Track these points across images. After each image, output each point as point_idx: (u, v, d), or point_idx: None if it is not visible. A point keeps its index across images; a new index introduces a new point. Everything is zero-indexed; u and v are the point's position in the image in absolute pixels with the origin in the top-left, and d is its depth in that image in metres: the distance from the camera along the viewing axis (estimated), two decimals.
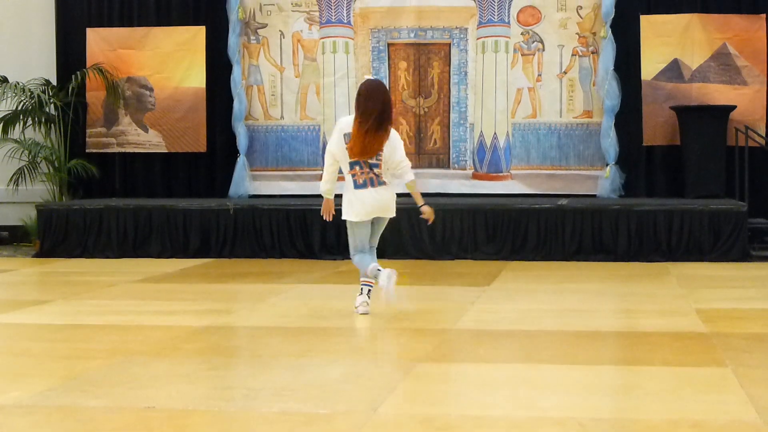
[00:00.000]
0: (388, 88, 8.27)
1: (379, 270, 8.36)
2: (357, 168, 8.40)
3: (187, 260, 12.65)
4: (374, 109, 8.27)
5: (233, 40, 14.49)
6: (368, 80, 8.55)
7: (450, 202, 13.17)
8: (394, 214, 8.66)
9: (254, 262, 12.39)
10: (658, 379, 6.19)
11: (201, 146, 14.75)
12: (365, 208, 8.44)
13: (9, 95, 14.48)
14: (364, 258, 8.56)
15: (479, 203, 12.93)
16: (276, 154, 14.68)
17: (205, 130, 14.73)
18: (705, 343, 7.27)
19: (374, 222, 8.60)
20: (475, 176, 14.40)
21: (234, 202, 13.51)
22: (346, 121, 8.48)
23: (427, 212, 8.64)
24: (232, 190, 14.46)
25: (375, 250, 8.71)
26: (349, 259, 12.55)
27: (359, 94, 8.42)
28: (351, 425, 5.19)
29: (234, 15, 14.47)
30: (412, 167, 8.34)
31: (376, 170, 8.40)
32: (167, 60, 14.81)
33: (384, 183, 8.46)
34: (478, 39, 14.36)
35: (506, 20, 14.26)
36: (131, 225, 13.13)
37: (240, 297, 9.82)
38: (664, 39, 13.86)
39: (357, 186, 8.42)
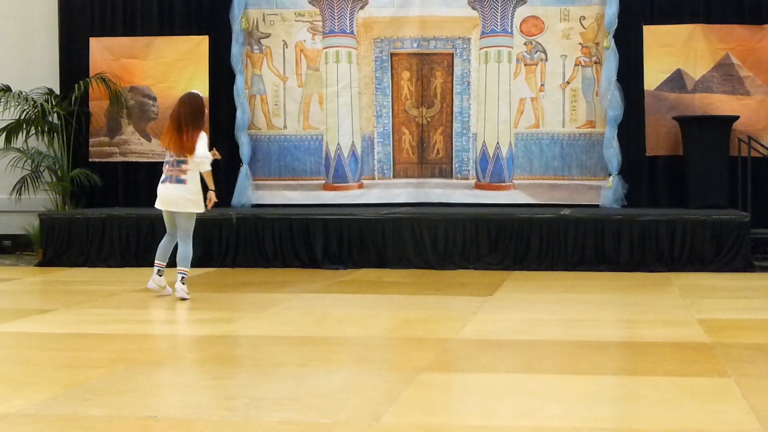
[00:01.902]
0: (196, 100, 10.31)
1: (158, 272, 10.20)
2: (167, 166, 10.02)
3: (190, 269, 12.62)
4: (177, 115, 10.01)
5: (236, 49, 14.51)
6: (186, 93, 10.44)
7: (452, 211, 13.17)
8: (186, 210, 10.03)
9: (256, 272, 12.39)
10: (660, 389, 6.18)
11: None
12: (161, 199, 10.02)
13: (12, 104, 14.48)
14: (165, 242, 10.22)
15: (482, 213, 12.93)
16: (279, 164, 14.69)
17: (208, 140, 14.71)
18: (707, 353, 7.27)
19: (174, 215, 10.07)
20: (477, 186, 14.40)
21: (236, 211, 13.51)
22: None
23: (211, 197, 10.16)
24: (235, 199, 14.46)
25: (182, 237, 10.08)
26: (352, 268, 12.64)
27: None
28: None
29: (237, 25, 14.49)
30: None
31: (183, 166, 9.95)
32: (170, 69, 14.83)
33: (182, 181, 9.96)
34: (481, 49, 14.37)
35: (509, 30, 14.27)
36: (134, 234, 13.14)
37: (242, 306, 9.81)
38: (667, 49, 13.88)
39: (162, 180, 10.04)
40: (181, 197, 9.97)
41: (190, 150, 9.94)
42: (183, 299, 9.95)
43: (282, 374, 6.70)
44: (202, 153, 9.98)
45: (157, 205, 10.12)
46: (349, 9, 14.54)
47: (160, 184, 10.06)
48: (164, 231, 13.08)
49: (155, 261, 10.23)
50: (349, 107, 14.52)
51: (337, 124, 14.48)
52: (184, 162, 9.98)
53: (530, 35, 14.28)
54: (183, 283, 9.97)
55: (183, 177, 9.98)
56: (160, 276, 10.19)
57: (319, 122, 14.62)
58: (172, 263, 10.19)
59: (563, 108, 14.22)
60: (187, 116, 10.00)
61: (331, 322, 8.94)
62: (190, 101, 10.15)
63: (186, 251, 10.06)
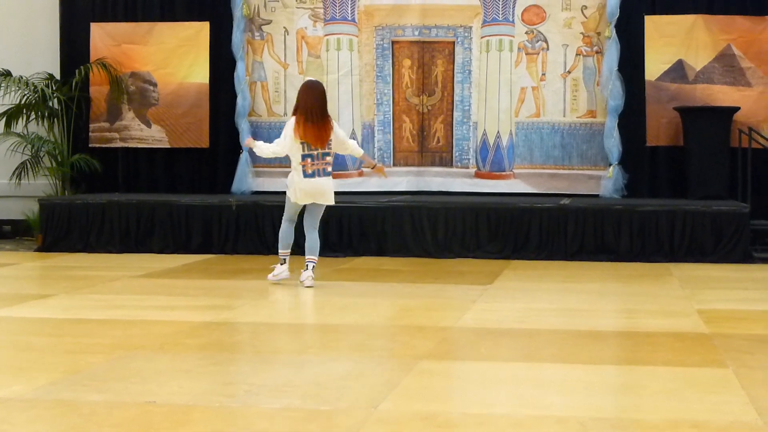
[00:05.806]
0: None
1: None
2: (309, 160, 9.79)
3: (189, 256, 12.65)
4: (313, 107, 9.72)
5: (237, 36, 14.49)
6: (308, 80, 10.08)
7: (452, 200, 13.17)
8: (330, 202, 10.02)
9: (256, 259, 12.39)
10: (659, 379, 6.19)
11: (204, 142, 14.76)
12: (310, 192, 9.86)
13: (12, 89, 14.46)
14: (289, 230, 10.09)
15: (482, 202, 12.93)
16: None
17: (208, 126, 14.74)
18: (706, 343, 7.28)
19: (316, 206, 10.00)
20: (477, 175, 14.39)
21: (236, 198, 13.51)
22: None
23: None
24: (235, 186, 14.46)
25: (315, 226, 10.01)
26: (351, 256, 12.62)
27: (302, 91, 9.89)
28: (352, 422, 5.19)
29: (238, 11, 14.47)
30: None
31: (327, 158, 9.83)
32: (171, 55, 14.81)
33: (329, 174, 9.90)
34: (482, 38, 14.35)
35: (511, 19, 14.25)
36: (134, 220, 13.14)
37: (242, 293, 9.82)
38: (669, 39, 13.86)
39: (306, 175, 9.79)
40: (329, 189, 9.91)
41: (326, 141, 9.80)
42: (310, 287, 9.83)
43: (281, 361, 6.71)
44: (353, 141, 10.40)
45: (301, 200, 9.90)
46: None
47: (303, 178, 9.82)
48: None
49: (281, 251, 10.13)
50: (349, 95, 14.51)
51: (338, 112, 14.44)
52: (329, 154, 9.85)
53: (532, 24, 14.26)
54: (312, 272, 9.92)
55: (329, 170, 9.89)
56: (284, 265, 10.11)
57: None
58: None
59: (564, 97, 14.21)
60: (324, 108, 9.86)
61: (330, 309, 8.95)
62: (322, 90, 9.90)
63: (317, 240, 9.99)
